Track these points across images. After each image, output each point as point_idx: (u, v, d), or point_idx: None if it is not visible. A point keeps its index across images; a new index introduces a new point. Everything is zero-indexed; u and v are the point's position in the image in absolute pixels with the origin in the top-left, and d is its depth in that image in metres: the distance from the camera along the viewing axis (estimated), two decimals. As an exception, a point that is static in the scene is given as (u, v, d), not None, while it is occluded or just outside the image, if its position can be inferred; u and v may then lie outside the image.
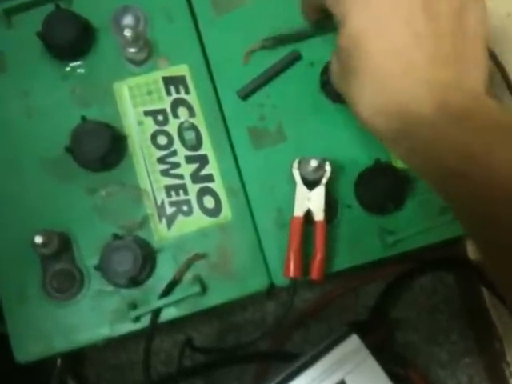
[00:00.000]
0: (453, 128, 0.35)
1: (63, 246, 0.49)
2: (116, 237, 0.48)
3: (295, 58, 0.52)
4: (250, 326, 0.64)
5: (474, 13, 0.39)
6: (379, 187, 0.49)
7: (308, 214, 0.47)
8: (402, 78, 0.37)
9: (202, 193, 0.51)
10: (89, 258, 0.50)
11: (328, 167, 0.48)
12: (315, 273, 0.46)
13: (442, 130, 0.36)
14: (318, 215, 0.47)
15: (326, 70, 0.51)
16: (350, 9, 0.39)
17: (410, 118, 0.37)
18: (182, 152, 0.52)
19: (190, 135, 0.52)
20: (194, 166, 0.51)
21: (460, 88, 0.37)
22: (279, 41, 0.52)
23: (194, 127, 0.52)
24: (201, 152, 0.51)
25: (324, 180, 0.47)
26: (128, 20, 0.53)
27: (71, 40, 0.51)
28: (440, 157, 0.36)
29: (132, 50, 0.51)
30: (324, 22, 0.50)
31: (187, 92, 0.52)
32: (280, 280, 0.49)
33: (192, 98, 0.52)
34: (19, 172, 0.51)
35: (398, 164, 0.50)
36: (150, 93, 0.52)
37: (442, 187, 0.38)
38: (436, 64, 0.37)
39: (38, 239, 0.47)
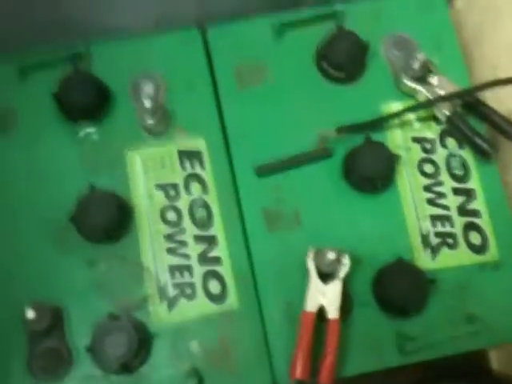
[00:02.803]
0: None
1: (54, 321, 0.45)
2: (111, 317, 0.45)
3: (326, 154, 0.50)
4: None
5: None
6: (399, 287, 0.45)
7: (321, 310, 0.44)
8: None
9: (208, 276, 0.48)
10: (80, 337, 0.46)
11: (346, 261, 0.44)
12: (324, 377, 0.42)
13: None
14: (332, 313, 0.43)
15: (349, 157, 0.49)
16: None
17: None
18: (191, 230, 0.48)
19: (201, 213, 0.49)
20: (202, 247, 0.48)
21: None
22: (353, 129, 0.50)
23: (205, 205, 0.49)
24: (211, 232, 0.48)
25: (341, 274, 0.44)
26: (148, 88, 0.51)
27: (87, 104, 0.49)
28: None
29: (150, 121, 0.48)
30: None
31: (202, 167, 0.50)
32: (284, 381, 0.45)
33: (207, 174, 0.50)
34: (16, 236, 0.48)
35: (422, 264, 0.46)
36: (163, 165, 0.50)
37: None
38: None
39: (31, 314, 0.43)
